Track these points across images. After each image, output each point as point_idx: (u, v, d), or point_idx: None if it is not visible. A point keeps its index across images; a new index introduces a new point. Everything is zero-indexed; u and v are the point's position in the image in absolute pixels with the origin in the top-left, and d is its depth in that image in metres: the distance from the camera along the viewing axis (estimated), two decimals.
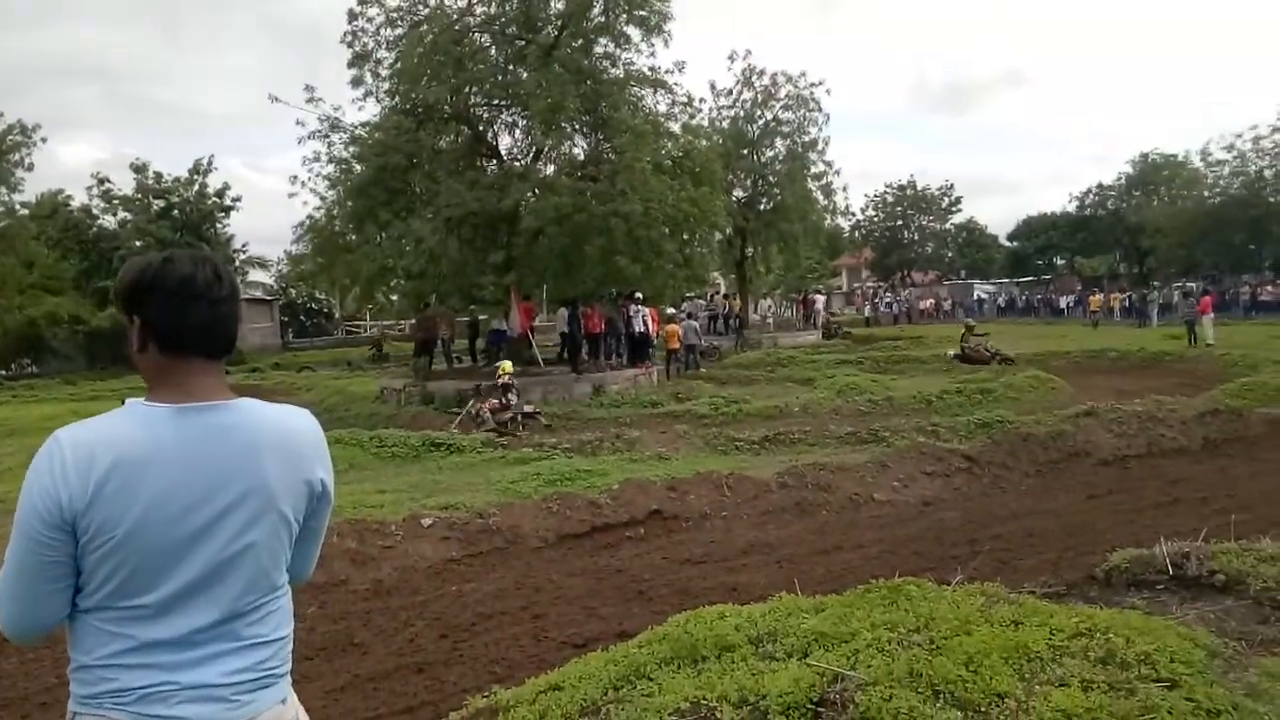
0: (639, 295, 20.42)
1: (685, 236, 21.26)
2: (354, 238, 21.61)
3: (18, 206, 34.57)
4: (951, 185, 66.01)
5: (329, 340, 46.08)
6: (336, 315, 52.52)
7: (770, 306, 40.36)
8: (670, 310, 26.65)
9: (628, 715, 3.01)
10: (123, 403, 1.78)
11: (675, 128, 22.41)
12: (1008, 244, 69.24)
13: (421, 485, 9.42)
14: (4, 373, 35.04)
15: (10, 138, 32.71)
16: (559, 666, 4.66)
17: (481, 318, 22.55)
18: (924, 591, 3.92)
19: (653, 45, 20.75)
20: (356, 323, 51.34)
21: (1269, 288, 39.50)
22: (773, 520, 8.13)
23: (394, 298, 30.43)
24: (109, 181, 40.44)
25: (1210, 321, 24.53)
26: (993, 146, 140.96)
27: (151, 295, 1.71)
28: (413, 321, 26.89)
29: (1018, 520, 7.88)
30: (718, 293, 40.76)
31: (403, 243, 20.14)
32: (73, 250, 38.83)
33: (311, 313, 51.23)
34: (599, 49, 20.53)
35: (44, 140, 34.18)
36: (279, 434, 1.79)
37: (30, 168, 33.59)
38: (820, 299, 39.80)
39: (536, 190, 19.26)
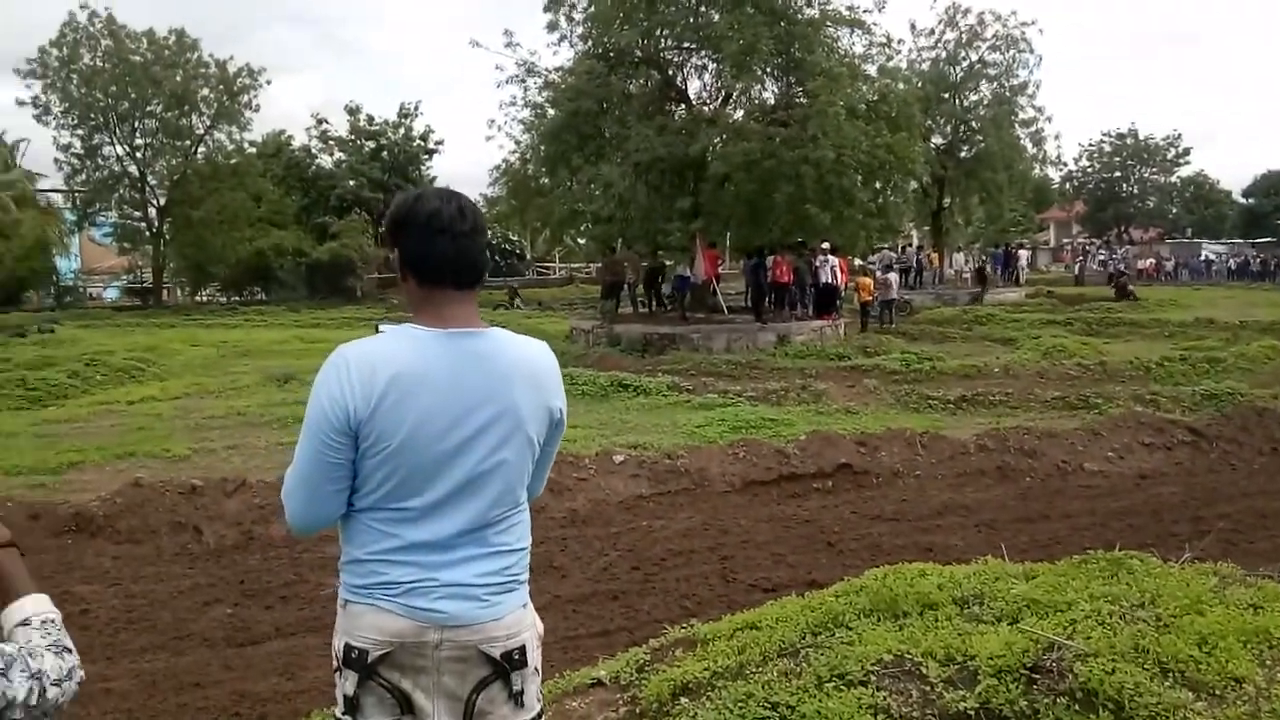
0: (826, 245, 19.89)
1: (879, 185, 20.50)
2: (546, 181, 22.27)
3: (246, 145, 37.90)
4: (1179, 134, 59.70)
5: (521, 280, 47.91)
6: (528, 256, 54.48)
7: (968, 260, 38.24)
8: (859, 261, 25.80)
9: (827, 660, 3.01)
10: (375, 330, 1.93)
11: (872, 70, 21.49)
12: (1242, 200, 62.06)
13: (610, 423, 9.72)
14: (237, 298, 38.93)
15: (240, 80, 35.77)
16: (748, 607, 4.74)
17: (667, 263, 22.74)
18: (1148, 567, 3.68)
19: None
20: (547, 264, 53.08)
21: None
22: (970, 483, 7.84)
23: (582, 241, 31.27)
24: (327, 123, 43.45)
25: None
26: (1228, 89, 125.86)
27: (405, 229, 1.86)
28: (599, 265, 27.51)
29: (1249, 500, 7.21)
30: (910, 244, 39.07)
31: (592, 187, 20.59)
32: (295, 187, 41.97)
33: (505, 253, 53.41)
34: None
35: (268, 83, 37.19)
36: (527, 363, 1.91)
37: (257, 109, 36.74)
38: (1025, 254, 37.21)
39: (725, 136, 19.06)
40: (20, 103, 34.46)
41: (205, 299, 40.88)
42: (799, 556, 5.92)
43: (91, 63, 33.66)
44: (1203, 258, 49.12)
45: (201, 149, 36.23)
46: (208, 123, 35.93)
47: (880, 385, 12.28)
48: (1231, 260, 47.54)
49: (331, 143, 43.62)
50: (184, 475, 7.42)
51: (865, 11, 20.44)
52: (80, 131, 34.65)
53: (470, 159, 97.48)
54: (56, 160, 35.79)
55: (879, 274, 23.33)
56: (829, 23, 20.21)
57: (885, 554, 5.80)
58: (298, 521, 1.90)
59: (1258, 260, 46.14)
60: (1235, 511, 6.83)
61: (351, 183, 41.86)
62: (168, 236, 36.44)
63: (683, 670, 3.15)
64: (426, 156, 45.52)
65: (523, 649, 1.93)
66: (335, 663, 1.88)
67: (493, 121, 22.86)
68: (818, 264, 20.16)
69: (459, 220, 1.85)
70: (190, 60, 34.92)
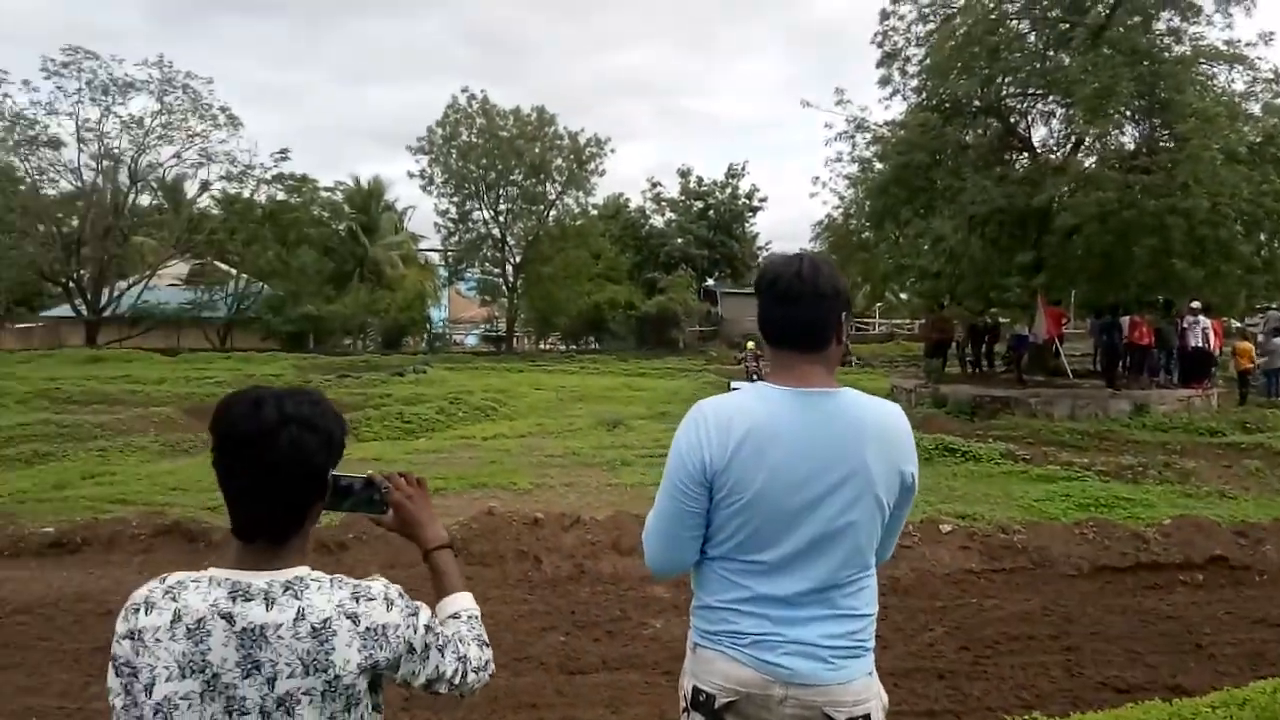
0: (1197, 304, 17.53)
1: (1264, 236, 17.74)
2: (870, 235, 21.92)
3: (590, 208, 41.55)
4: None
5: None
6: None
7: None
8: (1236, 324, 22.48)
9: None
10: (729, 387, 2.04)
11: (1255, 109, 18.76)
12: None
13: (936, 489, 9.24)
14: (574, 347, 42.55)
15: (588, 149, 39.37)
16: (1098, 707, 4.24)
17: (1003, 320, 21.32)
18: None
19: (1230, 15, 17.66)
20: (866, 319, 52.17)
21: None
22: None
23: (903, 295, 30.33)
24: (660, 185, 46.58)
25: None
26: None
27: (759, 294, 1.96)
28: (923, 321, 26.48)
29: None
30: None
31: (920, 241, 19.95)
32: (629, 245, 45.33)
33: None
34: (1160, 25, 18.03)
35: (613, 151, 40.68)
36: (878, 424, 1.91)
37: (602, 174, 40.22)
38: None
39: (1074, 184, 17.57)
40: (411, 175, 40.91)
41: (548, 346, 45.17)
42: (1159, 657, 5.19)
43: (468, 139, 38.87)
44: None
45: (553, 212, 40.28)
46: (559, 189, 39.90)
47: (1265, 467, 10.51)
48: None
49: (664, 203, 46.59)
50: (528, 507, 8.15)
51: (1248, 45, 18.01)
52: (455, 199, 40.11)
53: (792, 215, 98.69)
54: (435, 224, 42.05)
55: (1262, 338, 20.09)
56: (1203, 59, 18.06)
57: (1270, 664, 4.96)
58: (655, 563, 2.03)
59: None
60: None
61: (680, 240, 44.39)
62: (520, 290, 40.77)
63: None
64: (750, 214, 47.06)
65: (868, 716, 1.90)
66: (683, 703, 1.97)
67: (817, 178, 23.08)
68: (1185, 325, 17.82)
69: (797, 284, 1.90)
70: (548, 134, 39.11)
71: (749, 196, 46.79)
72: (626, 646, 5.49)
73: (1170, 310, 18.65)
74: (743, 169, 46.56)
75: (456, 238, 40.89)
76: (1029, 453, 11.31)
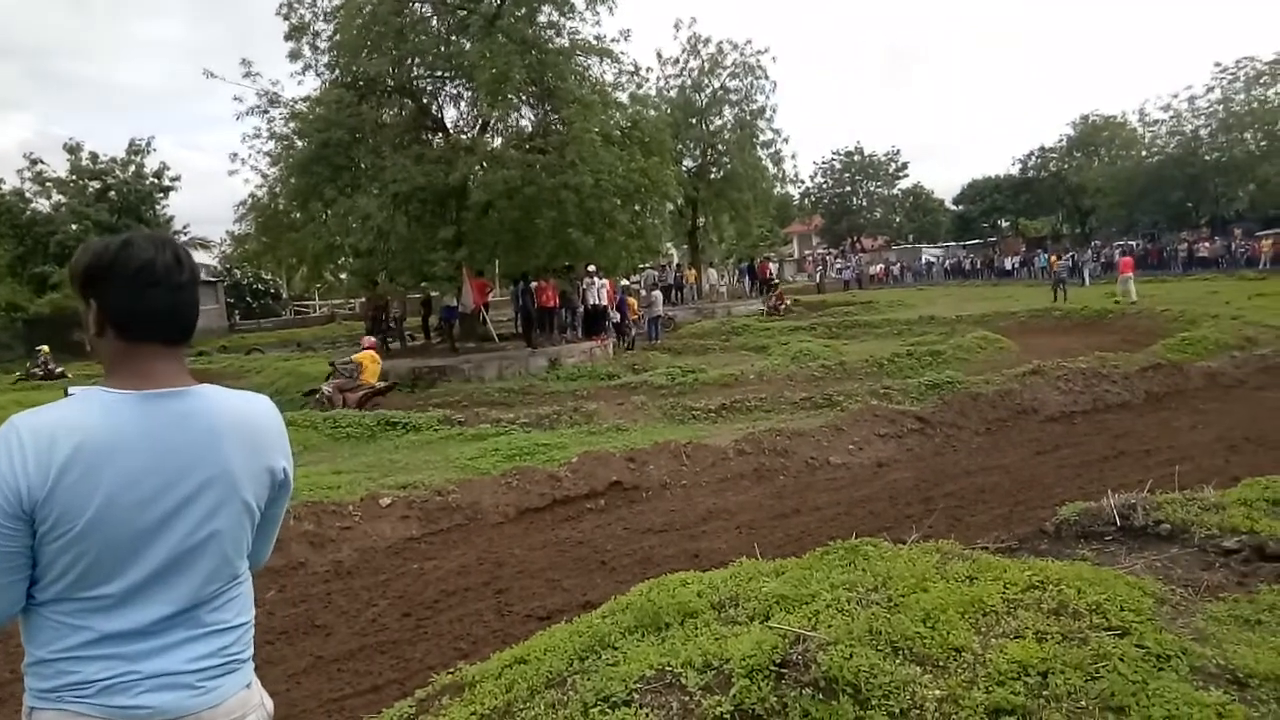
0: (592, 267, 20.34)
1: (637, 207, 21.21)
2: (298, 215, 21.19)
3: None
4: (898, 150, 66.90)
5: (277, 321, 45.25)
6: (284, 295, 51.52)
7: (721, 276, 40.44)
8: (624, 282, 26.64)
9: (593, 685, 3.02)
10: (65, 393, 1.73)
11: (623, 97, 22.27)
12: (954, 208, 70.15)
13: (378, 465, 9.33)
14: None
15: None
16: (524, 640, 4.68)
17: (434, 294, 22.29)
18: (880, 551, 3.99)
19: (598, 14, 20.62)
20: (305, 302, 50.45)
21: (1205, 244, 40.58)
22: (732, 487, 8.21)
23: (343, 276, 30.02)
24: (42, 163, 39.05)
25: (1131, 280, 25.38)
26: (936, 110, 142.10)
27: (109, 280, 1.67)
28: (363, 300, 26.52)
29: (970, 478, 8.06)
30: (670, 262, 40.80)
31: (349, 220, 19.81)
32: (6, 235, 37.46)
33: (258, 293, 50.19)
34: (542, 18, 20.27)
35: None
36: (241, 421, 1.77)
37: None
38: (772, 267, 39.96)
39: (484, 164, 19.01)
40: None
41: None
42: (574, 580, 5.93)
43: None
44: (924, 261, 54.92)
45: None
46: None
47: (648, 400, 12.64)
48: (948, 262, 53.51)
49: (49, 184, 39.23)
50: None
51: (613, 41, 21.21)
52: None
53: (213, 196, 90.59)
54: None
55: (644, 293, 24.14)
56: (579, 52, 20.75)
57: (656, 566, 5.95)
58: None
59: (969, 260, 52.25)
60: (958, 489, 7.62)
61: (75, 226, 37.79)
62: None
63: (448, 719, 3.06)
64: (162, 195, 42.08)
65: None
66: None
67: (236, 155, 21.42)
68: (584, 286, 20.53)
69: (176, 271, 1.69)
70: None
71: (158, 175, 41.71)
72: (16, 714, 4.55)
73: (571, 273, 21.30)
74: (148, 145, 41.31)
75: None
76: (464, 415, 12.04)
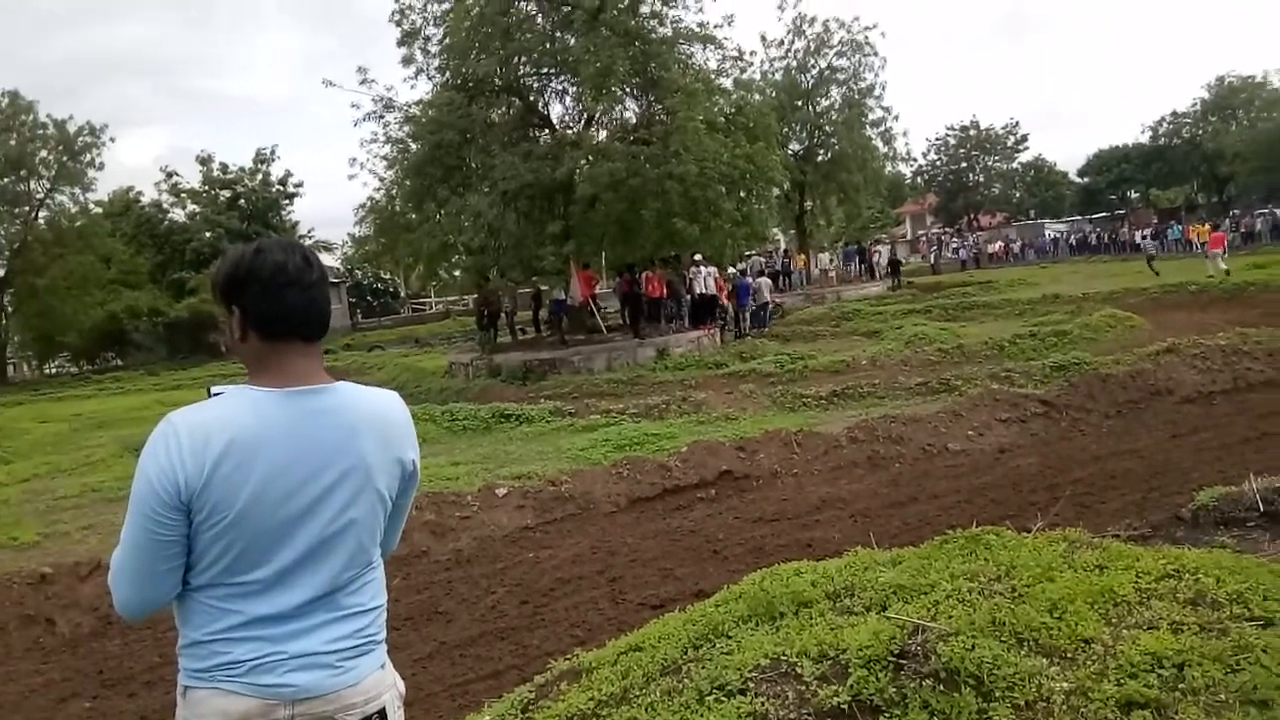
0: (698, 256, 20.29)
1: (742, 194, 21.01)
2: (414, 216, 21.92)
3: (92, 206, 35.92)
4: (1016, 122, 64.16)
5: (396, 319, 46.97)
6: (402, 294, 53.40)
7: (832, 259, 39.68)
8: (731, 269, 26.47)
9: (708, 673, 3.03)
10: (208, 393, 1.84)
11: (727, 84, 22.12)
12: (1079, 180, 66.70)
13: (494, 456, 9.59)
14: (90, 367, 36.70)
15: (81, 138, 33.90)
16: (638, 628, 4.73)
17: (544, 288, 22.70)
18: (1003, 540, 3.85)
19: (700, 1, 20.46)
20: (422, 300, 52.17)
21: None
22: (844, 475, 8.08)
23: (456, 273, 30.94)
24: (176, 175, 41.69)
25: (1220, 255, 24.08)
26: (1058, 78, 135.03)
27: (248, 285, 1.77)
28: (475, 296, 27.25)
29: (1099, 463, 7.68)
30: (777, 248, 40.29)
31: (461, 218, 20.37)
32: (147, 244, 40.11)
33: (378, 293, 52.25)
34: (645, 8, 20.28)
35: (112, 140, 35.42)
36: (375, 416, 1.86)
37: (101, 167, 34.97)
38: (884, 249, 38.87)
39: (590, 157, 19.19)
40: None
41: (55, 370, 38.40)
42: (686, 569, 5.96)
43: None
44: (1048, 236, 52.44)
45: (43, 213, 34.17)
46: (48, 186, 33.94)
47: (757, 389, 12.56)
48: (1073, 237, 50.93)
49: (184, 195, 41.90)
50: (34, 564, 6.89)
51: (716, 27, 21.06)
52: None
53: (334, 200, 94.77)
54: None
55: (752, 280, 23.92)
56: (682, 40, 20.68)
57: (768, 555, 5.91)
58: (128, 606, 1.78)
59: (1095, 235, 49.57)
60: (1086, 475, 7.28)
61: (208, 234, 40.27)
62: (10, 309, 34.06)
63: (567, 704, 3.11)
64: (287, 201, 44.39)
65: (382, 712, 1.87)
66: None
67: (354, 160, 22.32)
68: (691, 275, 20.51)
69: (306, 271, 1.79)
70: (25, 122, 32.89)
71: (283, 183, 44.00)
72: (169, 694, 4.87)
73: (678, 263, 21.29)
74: (272, 154, 43.61)
75: None
76: (574, 407, 12.24)
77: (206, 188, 42.12)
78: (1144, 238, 28.75)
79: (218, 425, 1.69)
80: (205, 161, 42.07)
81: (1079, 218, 58.84)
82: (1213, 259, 24.05)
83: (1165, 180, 60.85)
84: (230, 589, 1.74)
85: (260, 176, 43.21)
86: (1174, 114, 57.91)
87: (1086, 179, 65.26)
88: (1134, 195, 63.37)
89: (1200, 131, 55.15)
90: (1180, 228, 37.65)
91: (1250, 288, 20.26)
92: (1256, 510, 4.01)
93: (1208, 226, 31.27)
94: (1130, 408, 9.69)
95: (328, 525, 1.76)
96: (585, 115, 21.49)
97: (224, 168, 42.40)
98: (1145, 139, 60.07)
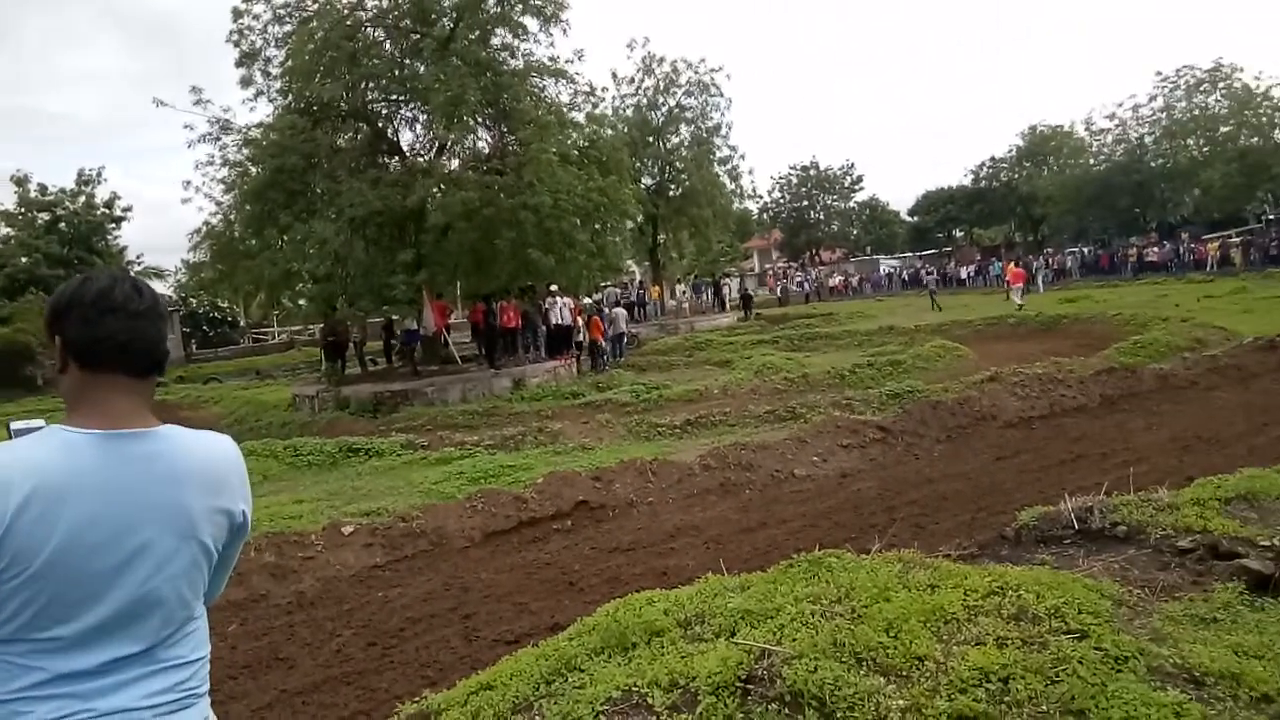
0: (554, 287, 20.33)
1: (597, 226, 21.22)
2: (254, 242, 20.91)
3: None
4: (852, 164, 67.76)
5: (235, 349, 44.63)
6: (242, 323, 50.82)
7: (684, 291, 40.66)
8: (586, 300, 26.63)
9: (559, 709, 3.00)
10: (7, 430, 1.69)
11: (579, 117, 22.33)
12: (909, 219, 71.20)
13: (341, 492, 9.21)
14: None
15: None
16: (491, 665, 4.63)
17: (395, 317, 22.12)
18: (844, 562, 4.01)
19: (551, 35, 20.68)
20: (264, 329, 49.78)
21: (1154, 249, 41.55)
22: (698, 503, 8.22)
23: (301, 302, 29.70)
24: None
25: (1019, 290, 27.39)
26: (889, 124, 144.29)
27: (69, 311, 1.66)
28: (321, 326, 26.25)
29: (931, 485, 8.14)
30: (632, 280, 40.93)
31: (306, 246, 19.58)
32: None
33: (215, 322, 49.50)
34: (496, 40, 20.28)
35: None
36: (202, 465, 1.75)
37: None
38: (733, 282, 40.31)
39: (442, 186, 18.94)
40: None
41: None
42: (541, 602, 5.89)
43: None
44: (882, 271, 55.63)
45: None
46: None
47: (613, 418, 12.63)
48: (905, 272, 54.21)
49: None
50: None
51: (568, 62, 21.28)
52: None
53: (166, 225, 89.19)
54: None
55: (608, 310, 24.14)
56: (533, 73, 20.77)
57: (624, 584, 5.92)
58: None
59: (925, 270, 52.97)
60: (920, 497, 7.70)
61: (24, 259, 37.16)
62: None
63: None
64: (114, 225, 41.53)
65: None
66: None
67: (189, 183, 21.12)
68: (546, 306, 20.49)
69: (134, 299, 1.68)
70: None
71: (109, 205, 41.13)
72: None
73: (534, 293, 21.24)
74: (98, 175, 40.83)
75: None
76: (427, 439, 11.93)
77: (22, 210, 38.93)
78: (929, 274, 31.62)
79: (20, 470, 1.55)
80: (21, 182, 38.96)
81: (910, 254, 62.82)
82: (1014, 293, 26.41)
83: (987, 220, 65.93)
84: (32, 645, 1.59)
85: (83, 199, 40.33)
86: (993, 159, 63.04)
87: (916, 218, 69.82)
88: (959, 234, 68.23)
89: (1016, 175, 60.14)
90: (1000, 264, 40.76)
91: (1064, 320, 22.17)
92: (1072, 528, 4.32)
93: (1011, 263, 34.18)
94: (959, 432, 10.36)
95: (144, 582, 1.64)
96: (437, 143, 21.20)
97: (43, 189, 39.36)
98: (968, 181, 64.95)
